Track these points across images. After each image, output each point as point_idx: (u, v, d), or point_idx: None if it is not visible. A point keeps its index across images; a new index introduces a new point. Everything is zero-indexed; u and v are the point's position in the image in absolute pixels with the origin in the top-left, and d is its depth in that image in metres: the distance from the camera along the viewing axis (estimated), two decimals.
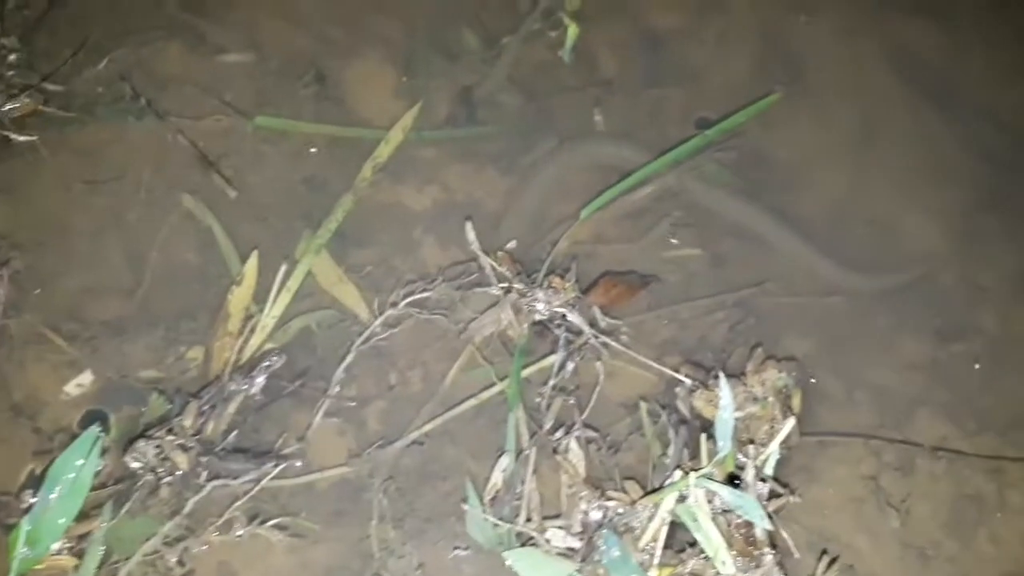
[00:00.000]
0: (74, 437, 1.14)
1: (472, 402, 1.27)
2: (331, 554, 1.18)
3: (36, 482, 1.16)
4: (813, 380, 1.31)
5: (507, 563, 1.11)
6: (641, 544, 1.11)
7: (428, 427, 1.25)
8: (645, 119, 1.57)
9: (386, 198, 1.48)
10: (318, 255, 1.38)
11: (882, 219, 1.51)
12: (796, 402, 1.24)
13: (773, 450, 1.15)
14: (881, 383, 1.37)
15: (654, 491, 1.13)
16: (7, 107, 1.36)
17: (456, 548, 1.17)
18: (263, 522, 1.14)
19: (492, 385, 1.27)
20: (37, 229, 1.36)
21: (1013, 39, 1.68)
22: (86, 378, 1.29)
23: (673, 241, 1.45)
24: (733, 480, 1.11)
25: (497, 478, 1.18)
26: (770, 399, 1.22)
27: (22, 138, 1.36)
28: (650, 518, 1.12)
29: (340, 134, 1.49)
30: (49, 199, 1.38)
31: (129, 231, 1.39)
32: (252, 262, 1.33)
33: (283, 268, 1.33)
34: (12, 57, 1.39)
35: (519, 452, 1.20)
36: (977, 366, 1.38)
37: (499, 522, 1.15)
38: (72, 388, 1.29)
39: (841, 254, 1.44)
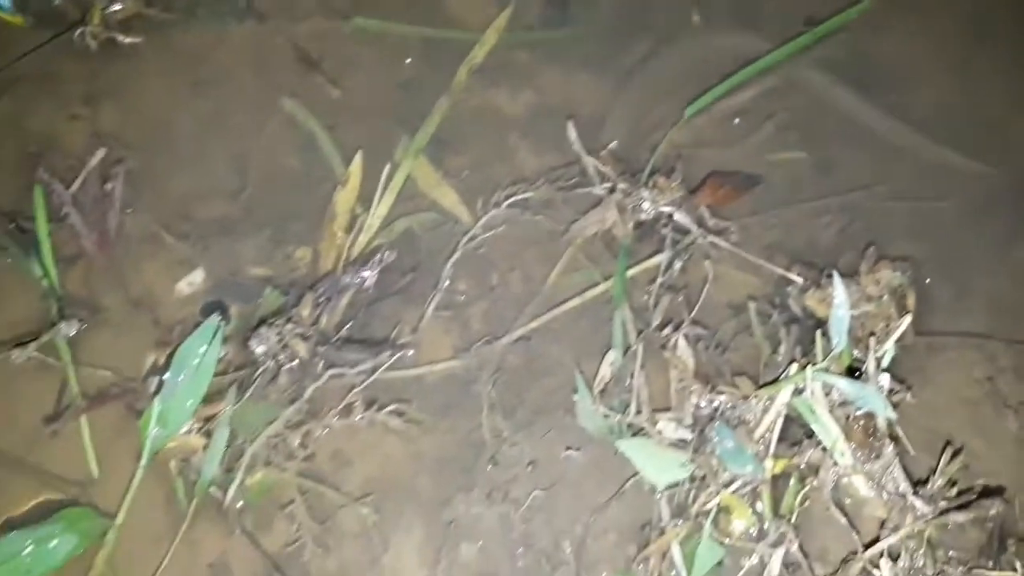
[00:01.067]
0: (195, 327, 1.18)
1: (576, 301, 1.27)
2: (443, 444, 1.20)
3: (160, 370, 1.20)
4: (928, 280, 1.28)
5: (620, 450, 1.12)
6: (756, 436, 1.11)
7: (533, 324, 1.26)
8: (747, 17, 1.52)
9: (481, 102, 1.47)
10: (416, 159, 1.38)
11: (995, 120, 1.45)
12: (911, 301, 1.22)
13: (890, 346, 1.13)
14: (994, 289, 1.32)
15: (770, 383, 1.13)
16: (112, 8, 1.37)
17: (568, 447, 1.18)
18: (380, 408, 1.16)
19: (596, 284, 1.27)
20: (144, 131, 1.39)
21: None
22: (198, 276, 1.33)
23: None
24: (852, 373, 1.09)
25: (606, 371, 1.18)
26: (885, 297, 1.20)
27: (128, 40, 1.38)
28: (764, 411, 1.11)
29: (436, 35, 1.48)
30: (155, 101, 1.40)
31: (232, 133, 1.41)
32: (357, 162, 1.34)
33: (387, 168, 1.34)
34: None
35: (627, 348, 1.20)
36: None
37: (610, 412, 1.15)
38: (184, 286, 1.32)
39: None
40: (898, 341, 1.13)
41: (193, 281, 1.33)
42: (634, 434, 1.15)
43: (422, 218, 1.36)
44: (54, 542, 1.08)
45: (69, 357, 1.21)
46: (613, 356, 1.19)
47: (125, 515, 1.13)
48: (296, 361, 1.17)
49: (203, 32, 1.42)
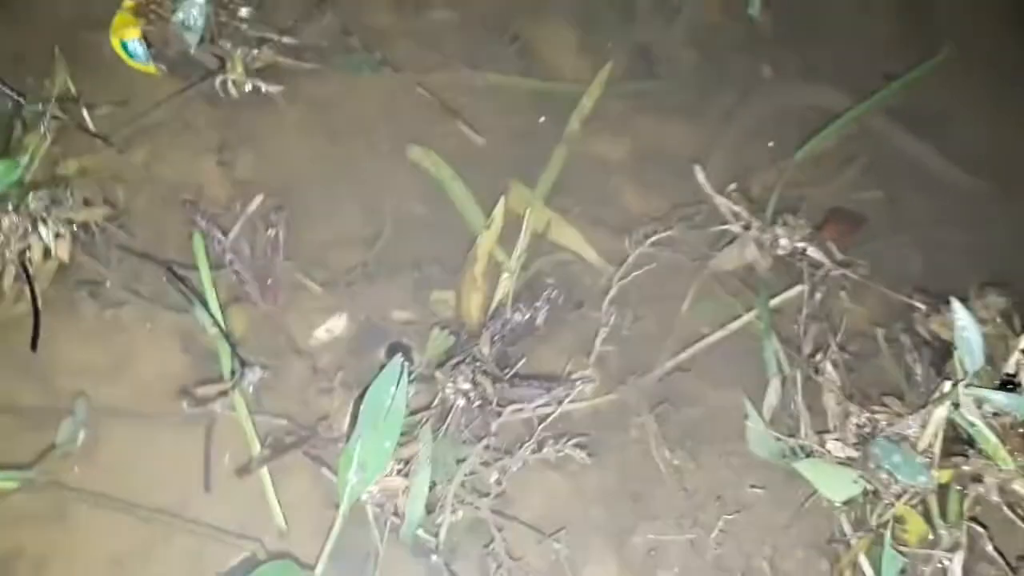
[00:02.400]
0: (356, 370, 1.19)
1: (720, 333, 1.34)
2: (610, 477, 1.23)
3: (334, 416, 1.19)
4: None
5: (796, 471, 1.18)
6: (920, 448, 1.20)
7: (682, 356, 1.32)
8: (813, 70, 1.67)
9: (583, 149, 1.54)
10: (542, 204, 1.43)
11: None
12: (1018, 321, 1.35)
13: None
14: None
15: (933, 401, 1.22)
16: (249, 57, 1.37)
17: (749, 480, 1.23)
18: (566, 442, 1.19)
19: (739, 316, 1.35)
20: (281, 178, 1.38)
21: None
22: (339, 322, 1.32)
23: None
24: (1004, 386, 1.21)
25: (772, 398, 1.25)
26: (997, 319, 1.33)
27: (271, 88, 1.37)
28: (923, 425, 1.21)
29: (545, 88, 1.55)
30: (290, 149, 1.40)
31: (365, 181, 1.42)
32: (501, 206, 1.37)
33: (527, 212, 1.38)
34: (243, 11, 1.40)
35: (783, 376, 1.28)
36: None
37: (781, 437, 1.22)
38: (323, 332, 1.32)
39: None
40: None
41: (333, 327, 1.32)
42: (806, 455, 1.22)
43: (555, 259, 1.41)
44: None
45: (247, 406, 1.18)
46: (775, 383, 1.26)
47: (324, 566, 1.10)
48: (484, 397, 1.18)
49: (335, 81, 1.44)
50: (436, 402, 1.18)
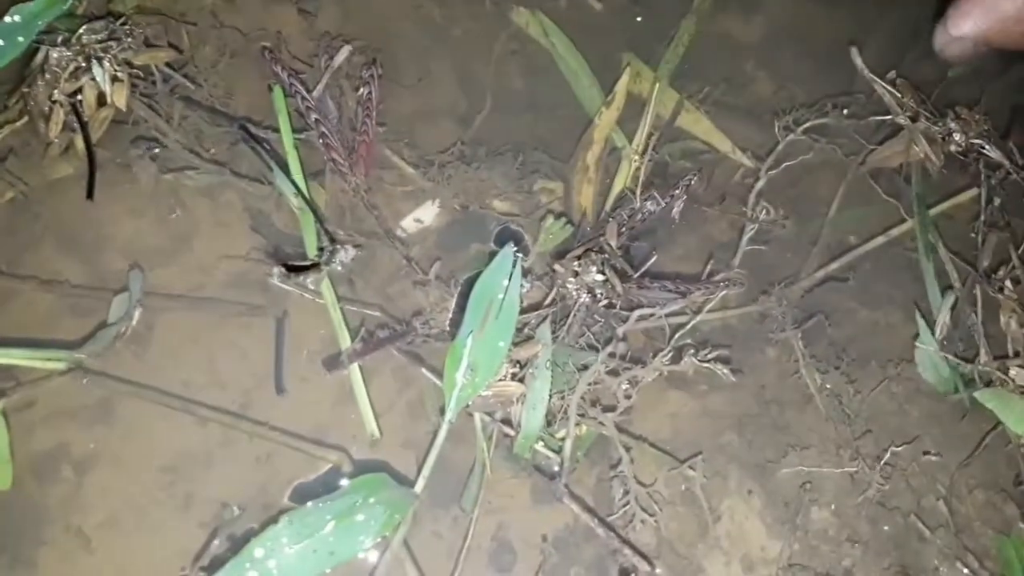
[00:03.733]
0: (454, 262, 0.99)
1: (881, 239, 1.14)
2: (749, 398, 1.05)
3: (432, 311, 1.01)
4: None
5: (975, 402, 1.00)
6: None
7: (834, 265, 1.12)
8: None
9: (713, 28, 1.32)
10: (666, 84, 1.23)
11: None
12: None
13: None
14: None
15: None
16: None
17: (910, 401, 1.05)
18: (707, 354, 1.00)
19: (903, 221, 1.14)
20: (370, 34, 1.17)
21: None
22: (429, 211, 1.13)
23: None
24: None
25: (945, 317, 1.06)
26: None
27: None
28: None
29: None
30: (382, 3, 1.19)
31: (463, 47, 1.21)
32: (624, 81, 1.17)
33: (655, 88, 1.17)
34: None
35: (956, 293, 1.08)
36: None
37: (960, 361, 1.03)
38: (409, 223, 1.13)
39: None
40: None
41: (422, 216, 1.13)
42: (986, 384, 1.03)
43: (684, 147, 1.20)
44: (359, 516, 0.86)
45: (334, 292, 1.00)
46: (951, 300, 1.07)
47: (426, 482, 0.92)
48: (605, 299, 0.99)
49: None
50: (554, 299, 0.99)
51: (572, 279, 0.98)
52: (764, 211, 1.10)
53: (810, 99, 1.22)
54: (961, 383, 1.04)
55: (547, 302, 1.01)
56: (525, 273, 0.99)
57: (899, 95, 1.17)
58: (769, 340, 1.08)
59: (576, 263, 0.99)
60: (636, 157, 1.16)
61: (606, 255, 0.99)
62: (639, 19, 1.28)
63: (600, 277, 0.97)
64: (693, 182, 1.09)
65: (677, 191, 1.08)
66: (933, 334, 1.05)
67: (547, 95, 1.22)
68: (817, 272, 1.12)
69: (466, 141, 1.17)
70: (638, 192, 1.08)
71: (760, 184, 1.13)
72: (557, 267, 0.99)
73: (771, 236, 1.13)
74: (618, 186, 1.15)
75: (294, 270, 0.96)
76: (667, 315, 1.02)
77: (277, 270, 0.97)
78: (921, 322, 1.06)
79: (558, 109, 1.21)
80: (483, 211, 1.13)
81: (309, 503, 0.85)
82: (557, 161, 1.18)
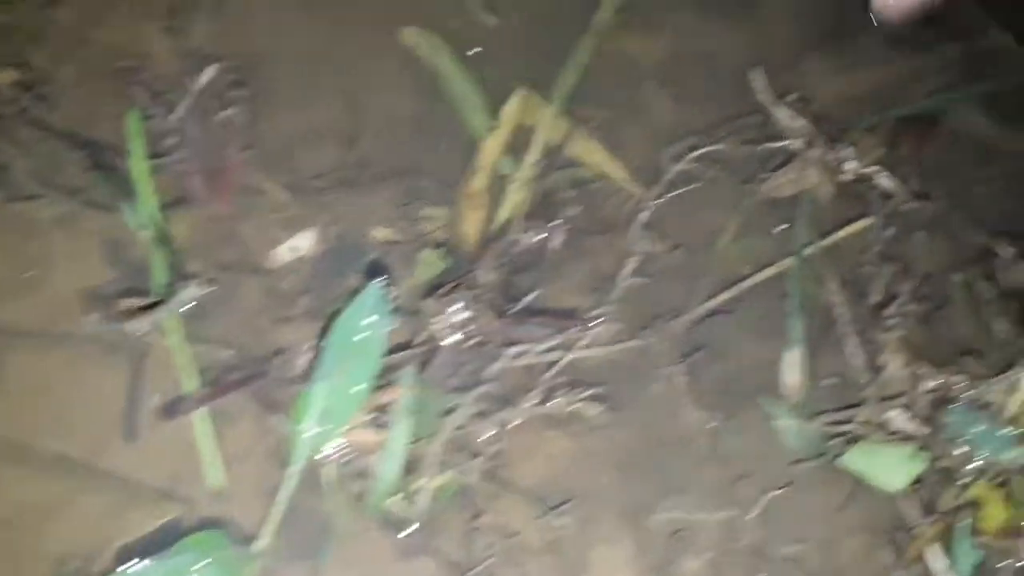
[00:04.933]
0: (326, 296, 0.95)
1: (770, 271, 1.11)
2: (629, 439, 1.02)
3: (294, 349, 0.96)
4: None
5: (842, 463, 0.98)
6: (1005, 417, 0.99)
7: (724, 296, 1.09)
8: None
9: (613, 48, 1.28)
10: (560, 107, 1.18)
11: None
12: None
13: None
14: None
15: (1017, 364, 1.01)
16: None
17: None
18: (580, 394, 0.96)
19: (792, 254, 1.11)
20: (245, 53, 1.12)
21: None
22: (306, 239, 1.08)
23: None
24: None
25: (792, 375, 1.03)
26: None
27: None
28: (1009, 391, 1.00)
29: None
30: (257, 18, 1.13)
31: (346, 65, 1.16)
32: (514, 104, 1.12)
33: (546, 113, 1.13)
34: None
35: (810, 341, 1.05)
36: None
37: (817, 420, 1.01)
38: (285, 250, 1.08)
39: None
40: None
41: (298, 245, 1.08)
42: (852, 441, 1.00)
43: (573, 175, 1.16)
44: None
45: (181, 332, 0.95)
46: (795, 354, 1.04)
47: (272, 538, 0.88)
48: (483, 334, 0.95)
49: None
50: (422, 339, 0.95)
51: (439, 316, 0.94)
52: (650, 242, 1.07)
53: (708, 124, 1.19)
54: (824, 442, 1.01)
55: (416, 341, 0.97)
56: (394, 309, 0.95)
57: (794, 119, 1.14)
58: (652, 376, 1.05)
59: (446, 298, 0.95)
60: (522, 185, 1.12)
61: (478, 290, 0.95)
62: (536, 38, 1.24)
63: (468, 314, 0.93)
64: (574, 213, 1.06)
65: (560, 221, 1.04)
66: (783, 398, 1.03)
67: (436, 119, 1.17)
68: (705, 304, 1.09)
69: (348, 165, 1.13)
70: (522, 222, 1.04)
71: (645, 214, 1.09)
72: (425, 303, 0.95)
73: (657, 268, 1.10)
74: (503, 215, 1.11)
75: (116, 316, 0.91)
76: (544, 352, 0.99)
77: (97, 316, 0.92)
78: (767, 401, 1.03)
79: (447, 133, 1.17)
80: (362, 239, 1.09)
81: (134, 564, 0.81)
82: (445, 187, 1.14)
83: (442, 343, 0.94)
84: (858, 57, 1.25)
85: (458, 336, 0.93)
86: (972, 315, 1.10)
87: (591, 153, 1.18)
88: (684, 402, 1.03)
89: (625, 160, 1.17)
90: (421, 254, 1.03)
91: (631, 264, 1.05)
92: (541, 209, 1.11)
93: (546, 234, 1.04)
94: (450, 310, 0.93)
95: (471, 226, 1.11)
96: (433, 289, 0.98)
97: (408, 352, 0.94)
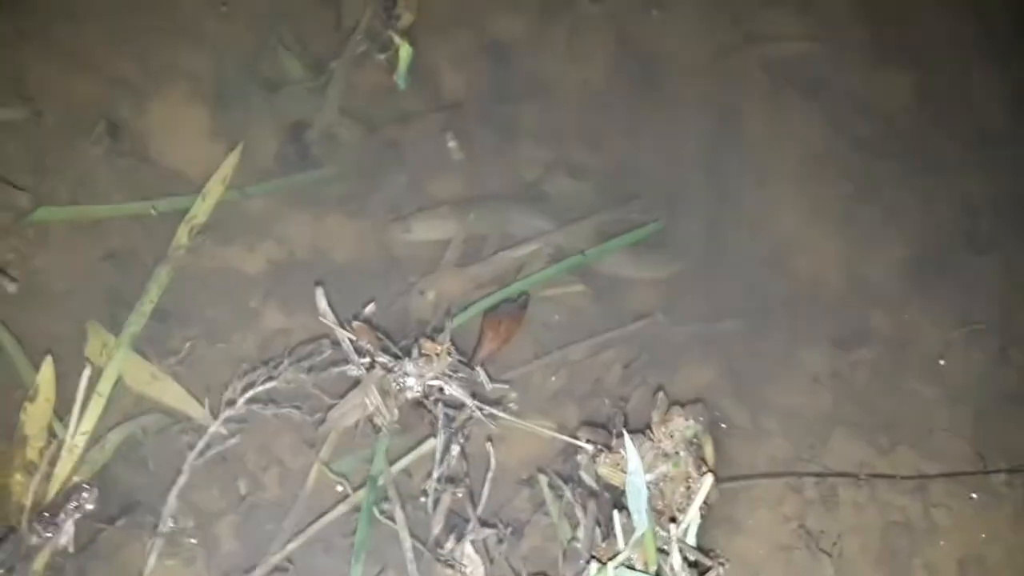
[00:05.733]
0: None
1: (341, 508, 1.06)
2: None
3: None
4: (724, 425, 1.19)
5: None
6: None
7: (293, 545, 1.04)
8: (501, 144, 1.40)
9: (211, 263, 1.24)
10: (128, 348, 1.13)
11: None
12: (709, 452, 1.11)
13: (694, 517, 1.01)
14: (787, 404, 1.27)
15: None
16: None
17: None
18: None
19: (360, 487, 1.07)
20: None
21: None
22: None
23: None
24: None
25: None
26: (681, 453, 1.08)
27: None
28: None
29: (142, 211, 1.22)
30: None
31: None
32: (46, 371, 1.06)
33: (86, 373, 1.07)
34: None
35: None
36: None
37: None
38: None
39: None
40: (702, 504, 1.03)
41: None
42: None
43: (144, 422, 1.11)
44: None
45: None
46: None
47: None
48: None
49: None
50: None
51: None
52: (172, 519, 1.01)
53: (276, 353, 1.15)
54: None
55: None
56: None
57: (355, 338, 1.11)
58: None
59: None
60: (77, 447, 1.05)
61: None
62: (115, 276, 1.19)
63: None
64: (85, 499, 0.99)
65: (61, 517, 0.97)
66: None
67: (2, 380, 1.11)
68: (275, 555, 1.03)
69: None
70: (23, 520, 0.98)
71: (182, 480, 1.03)
72: None
73: (248, 509, 1.05)
74: (54, 488, 1.04)
75: None
76: None
77: None
78: None
79: (14, 395, 1.10)
80: None
81: None
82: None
83: None
84: None
85: None
86: (557, 521, 1.07)
87: (169, 394, 1.13)
88: None
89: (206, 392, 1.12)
90: None
91: (157, 546, 0.99)
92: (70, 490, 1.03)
93: (57, 529, 0.97)
94: None
95: (24, 501, 1.03)
96: None
97: None
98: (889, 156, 1.48)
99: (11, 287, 1.12)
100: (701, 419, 1.12)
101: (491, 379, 1.12)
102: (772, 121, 1.50)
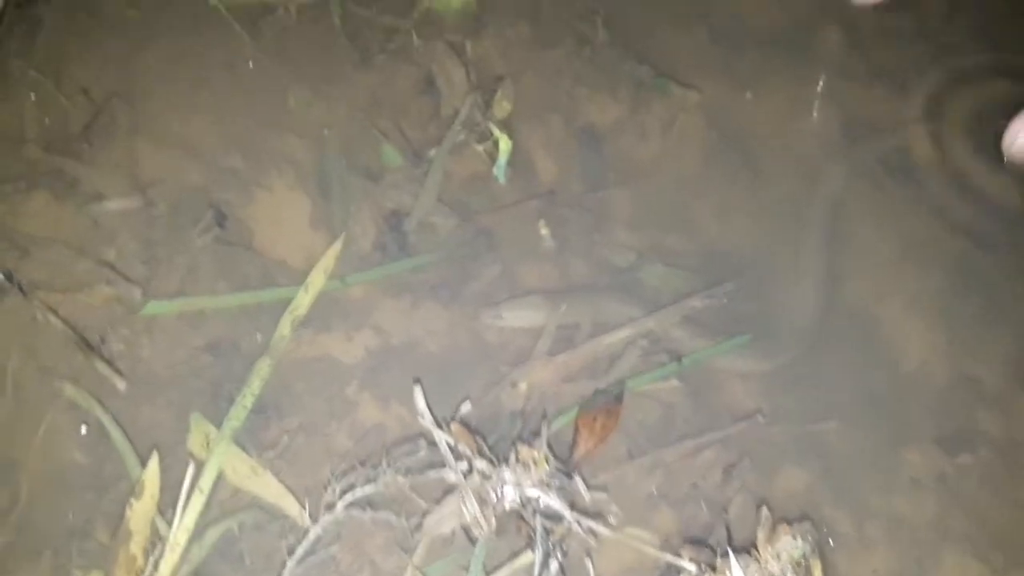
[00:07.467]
0: None
1: None
2: None
3: None
4: (831, 543, 1.14)
5: None
6: None
7: None
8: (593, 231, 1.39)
9: (310, 352, 1.26)
10: (230, 442, 1.14)
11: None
12: (818, 574, 1.07)
13: None
14: (892, 511, 1.21)
15: None
16: None
17: None
18: None
19: None
20: None
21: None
22: None
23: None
24: None
25: None
26: (789, 575, 1.04)
27: None
28: None
29: (248, 301, 1.25)
30: None
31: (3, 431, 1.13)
32: (152, 467, 1.09)
33: (190, 469, 1.09)
34: None
35: None
36: None
37: None
38: None
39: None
40: None
41: None
42: None
43: (241, 519, 1.12)
44: None
45: None
46: None
47: None
48: None
49: None
50: None
51: None
52: None
53: (374, 451, 1.15)
54: None
55: None
56: None
57: (455, 442, 1.10)
58: None
59: None
60: (179, 544, 1.07)
61: None
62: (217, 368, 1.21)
63: None
64: None
65: None
66: None
67: (110, 470, 1.13)
68: None
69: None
70: None
71: (291, 564, 1.03)
72: None
73: None
74: None
75: None
76: None
77: None
78: None
79: (120, 485, 1.13)
80: None
81: None
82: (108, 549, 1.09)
83: None
84: None
85: None
86: None
87: (268, 490, 1.14)
88: None
89: (304, 490, 1.13)
90: None
91: None
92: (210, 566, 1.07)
93: None
94: None
95: None
96: None
97: None
98: (996, 247, 1.43)
99: (120, 384, 1.14)
100: (809, 538, 1.08)
101: (588, 486, 1.10)
102: (874, 204, 1.46)
